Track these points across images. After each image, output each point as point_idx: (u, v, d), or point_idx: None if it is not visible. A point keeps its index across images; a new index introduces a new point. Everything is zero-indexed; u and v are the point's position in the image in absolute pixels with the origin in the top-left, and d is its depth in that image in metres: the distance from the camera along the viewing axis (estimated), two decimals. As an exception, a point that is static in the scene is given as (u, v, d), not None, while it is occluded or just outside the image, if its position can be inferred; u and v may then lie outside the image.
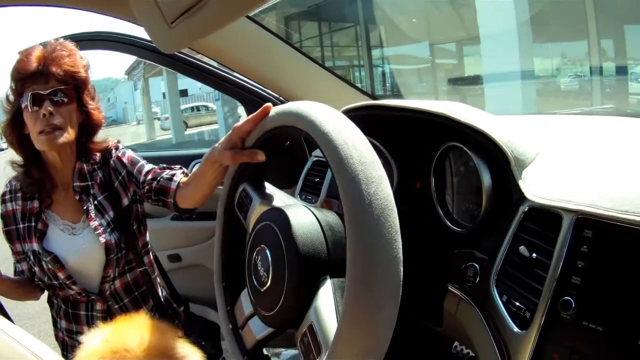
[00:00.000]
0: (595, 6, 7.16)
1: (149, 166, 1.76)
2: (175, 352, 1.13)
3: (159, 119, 31.84)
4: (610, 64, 8.73)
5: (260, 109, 1.20)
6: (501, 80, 8.21)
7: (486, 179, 1.05)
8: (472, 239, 1.09)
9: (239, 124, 1.31)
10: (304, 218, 0.99)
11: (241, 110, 14.13)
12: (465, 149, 1.10)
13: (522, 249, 0.93)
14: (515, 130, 1.13)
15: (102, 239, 1.66)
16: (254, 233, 1.09)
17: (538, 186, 0.98)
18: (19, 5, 1.90)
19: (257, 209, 1.17)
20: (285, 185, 1.44)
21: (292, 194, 1.44)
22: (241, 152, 1.28)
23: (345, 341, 0.80)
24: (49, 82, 1.62)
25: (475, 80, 9.36)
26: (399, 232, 0.80)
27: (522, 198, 0.98)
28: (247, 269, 1.10)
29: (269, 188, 1.26)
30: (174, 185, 1.68)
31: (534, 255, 0.91)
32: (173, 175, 1.70)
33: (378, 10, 11.01)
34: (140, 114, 39.46)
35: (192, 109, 25.81)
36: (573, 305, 0.81)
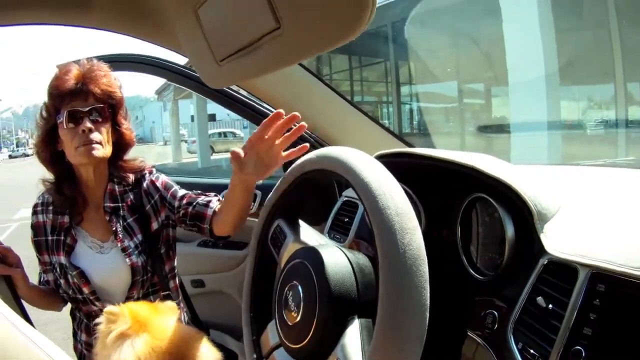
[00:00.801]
0: (622, 50, 7.15)
1: (182, 191, 1.79)
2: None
3: (185, 141, 32.00)
4: (637, 110, 8.68)
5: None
6: (527, 128, 8.20)
7: (510, 231, 1.08)
8: (493, 287, 1.12)
9: (254, 136, 1.47)
10: (337, 259, 1.02)
11: None
12: (492, 200, 1.14)
13: (540, 299, 0.96)
14: (540, 183, 1.16)
15: (129, 261, 1.68)
16: (287, 269, 1.12)
17: (558, 240, 1.01)
18: (63, 25, 1.84)
19: (290, 246, 1.21)
20: (314, 222, 1.48)
21: (321, 231, 1.48)
22: (261, 169, 1.46)
23: None
24: (87, 100, 1.66)
25: (502, 128, 9.38)
26: (427, 281, 0.84)
27: (542, 251, 1.01)
28: (276, 302, 1.13)
29: (302, 225, 1.29)
30: (210, 212, 1.70)
31: (550, 306, 0.94)
32: (209, 201, 1.73)
33: (409, 48, 11.01)
34: (167, 135, 39.70)
35: (219, 134, 25.75)
36: (583, 355, 0.84)
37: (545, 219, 1.06)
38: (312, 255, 1.06)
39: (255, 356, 1.29)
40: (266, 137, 1.47)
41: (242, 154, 1.46)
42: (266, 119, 1.46)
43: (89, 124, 1.63)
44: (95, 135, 1.64)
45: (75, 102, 1.64)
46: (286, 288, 1.08)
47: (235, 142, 24.13)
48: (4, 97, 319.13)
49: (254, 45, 0.93)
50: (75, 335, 1.84)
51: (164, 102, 31.73)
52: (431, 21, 10.04)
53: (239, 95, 2.33)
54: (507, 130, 8.98)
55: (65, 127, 1.63)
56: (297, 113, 1.37)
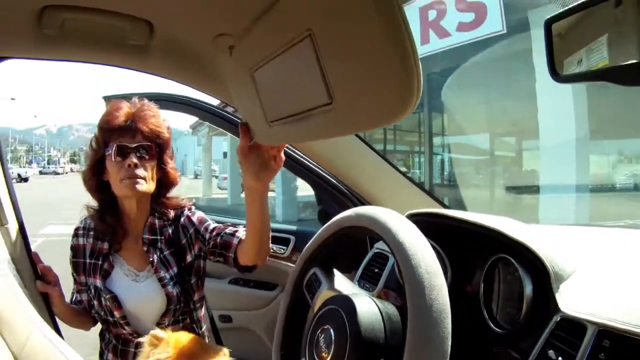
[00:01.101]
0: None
1: (215, 224, 1.87)
2: None
3: (216, 177, 32.29)
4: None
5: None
6: (555, 189, 8.25)
7: (528, 290, 1.16)
8: (510, 340, 1.18)
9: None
10: (369, 307, 1.11)
11: (299, 182, 13.96)
12: (513, 261, 1.22)
13: (551, 352, 1.03)
14: (558, 245, 1.24)
15: (165, 291, 1.75)
16: (320, 313, 1.20)
17: (571, 299, 1.09)
18: (120, 67, 1.91)
19: (324, 292, 1.29)
20: (345, 270, 1.54)
21: (351, 279, 1.56)
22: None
23: None
24: (135, 137, 1.74)
25: (531, 188, 9.41)
26: (450, 332, 0.93)
27: (556, 308, 1.08)
28: (308, 342, 1.20)
29: (336, 274, 1.37)
30: (235, 241, 1.77)
31: (560, 358, 1.01)
32: (235, 231, 1.80)
33: (442, 99, 11.13)
34: (198, 169, 40.12)
35: None
36: None
37: (561, 279, 1.14)
38: (345, 302, 1.14)
39: None
40: (250, 144, 1.52)
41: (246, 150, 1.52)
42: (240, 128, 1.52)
43: (135, 160, 1.71)
44: (140, 171, 1.72)
45: (123, 137, 1.73)
46: (319, 330, 1.16)
47: None
48: (39, 115, 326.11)
49: (305, 114, 1.04)
50: (101, 354, 1.90)
51: (197, 137, 32.13)
52: (465, 75, 10.14)
53: None
54: (536, 190, 9.01)
55: (113, 160, 1.71)
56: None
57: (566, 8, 1.02)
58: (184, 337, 1.45)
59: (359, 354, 1.05)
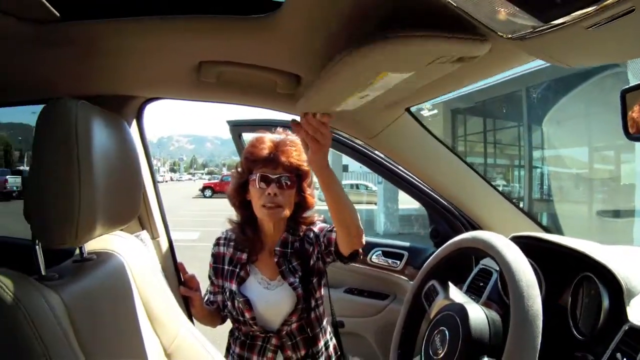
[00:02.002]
0: None
1: (329, 227, 1.97)
2: None
3: (317, 188, 32.23)
4: None
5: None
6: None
7: (606, 304, 1.35)
8: (588, 345, 1.37)
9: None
10: (478, 313, 1.34)
11: (401, 197, 13.98)
12: (595, 279, 1.41)
13: (618, 355, 1.25)
14: (634, 266, 1.42)
15: (296, 294, 1.89)
16: (437, 318, 1.44)
17: (639, 311, 1.30)
18: (267, 109, 2.12)
19: (440, 301, 1.52)
20: (454, 283, 1.69)
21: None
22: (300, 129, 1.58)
23: None
24: (277, 169, 1.88)
25: (626, 213, 9.13)
26: (540, 332, 1.15)
27: (626, 319, 1.29)
28: (424, 342, 1.43)
29: (450, 286, 1.59)
30: (334, 235, 1.88)
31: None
32: (334, 227, 1.88)
33: (542, 112, 10.91)
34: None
35: (351, 185, 25.10)
36: None
37: (632, 295, 1.33)
38: (459, 309, 1.38)
39: None
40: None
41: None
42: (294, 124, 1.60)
43: (275, 189, 1.86)
44: (279, 199, 1.87)
45: (266, 168, 1.88)
46: (435, 331, 1.40)
47: (367, 195, 23.67)
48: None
49: None
50: (228, 348, 2.06)
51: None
52: (564, 88, 9.94)
53: (374, 155, 2.62)
54: (630, 214, 8.73)
55: (256, 186, 1.87)
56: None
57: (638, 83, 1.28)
58: None
59: (468, 351, 1.27)
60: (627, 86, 1.32)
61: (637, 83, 1.29)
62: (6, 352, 1.03)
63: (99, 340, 1.24)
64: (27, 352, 1.03)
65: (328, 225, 2.00)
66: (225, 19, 1.34)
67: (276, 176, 1.89)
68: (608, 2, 0.69)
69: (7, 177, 21.68)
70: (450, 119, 14.49)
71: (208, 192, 34.65)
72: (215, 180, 37.46)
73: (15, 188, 21.86)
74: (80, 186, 1.09)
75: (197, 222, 17.66)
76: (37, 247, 1.19)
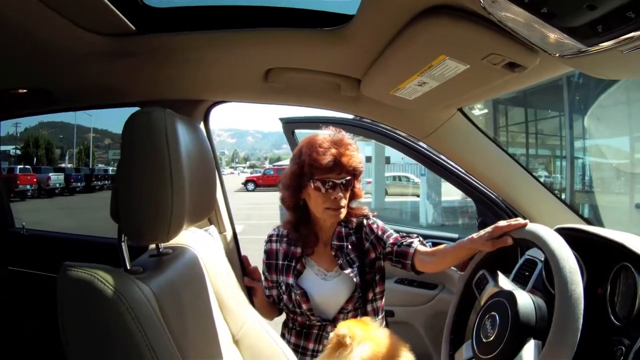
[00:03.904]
0: None
1: (394, 234, 2.08)
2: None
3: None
4: None
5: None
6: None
7: None
8: (624, 329, 1.43)
9: (501, 224, 1.65)
10: (525, 299, 1.45)
11: (443, 189, 13.94)
12: (632, 269, 1.48)
13: None
14: None
15: (353, 282, 1.97)
16: (488, 304, 1.55)
17: None
18: (332, 110, 2.28)
19: (490, 289, 1.63)
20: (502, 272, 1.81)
21: (505, 280, 1.81)
22: (498, 241, 1.64)
23: None
24: (340, 174, 1.95)
25: None
26: (582, 314, 1.26)
27: None
28: (475, 327, 1.54)
29: (499, 275, 1.68)
30: (412, 251, 1.97)
31: None
32: (411, 242, 1.99)
33: (583, 102, 10.74)
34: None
35: (394, 177, 24.38)
36: None
37: None
38: (509, 296, 1.48)
39: None
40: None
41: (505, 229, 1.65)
42: (504, 227, 1.65)
43: (340, 193, 1.95)
44: (342, 201, 1.97)
45: (330, 174, 1.94)
46: (486, 317, 1.51)
47: (409, 187, 23.59)
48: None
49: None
50: (283, 336, 2.11)
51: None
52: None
53: (420, 148, 2.67)
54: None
55: (321, 190, 1.94)
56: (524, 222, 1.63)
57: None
58: (350, 323, 1.64)
59: (516, 334, 1.38)
60: None
61: None
62: (111, 343, 1.09)
63: (182, 328, 1.31)
64: (130, 342, 1.10)
65: (396, 234, 2.10)
66: (297, 31, 1.44)
67: (340, 181, 1.97)
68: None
69: (50, 174, 22.47)
70: (492, 109, 14.30)
71: (251, 186, 34.48)
72: (258, 174, 37.05)
73: (57, 185, 22.45)
74: (173, 189, 1.14)
75: (240, 215, 17.62)
76: (122, 243, 1.24)
